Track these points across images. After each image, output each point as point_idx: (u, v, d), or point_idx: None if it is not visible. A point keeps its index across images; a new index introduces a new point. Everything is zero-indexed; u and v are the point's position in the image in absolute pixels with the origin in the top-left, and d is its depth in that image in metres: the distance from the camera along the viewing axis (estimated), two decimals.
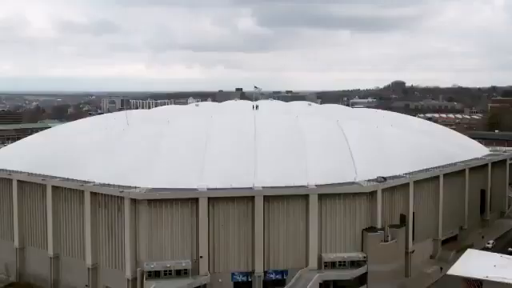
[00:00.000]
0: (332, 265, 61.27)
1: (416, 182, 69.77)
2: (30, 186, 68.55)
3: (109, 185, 61.38)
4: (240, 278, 60.78)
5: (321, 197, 62.08)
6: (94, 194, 62.07)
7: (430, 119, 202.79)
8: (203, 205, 59.43)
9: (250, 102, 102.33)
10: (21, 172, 70.00)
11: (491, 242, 78.84)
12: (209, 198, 59.78)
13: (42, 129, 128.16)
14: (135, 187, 60.13)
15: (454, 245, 76.28)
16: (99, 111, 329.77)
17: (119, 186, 60.52)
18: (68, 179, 65.23)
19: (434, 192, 74.18)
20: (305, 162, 65.94)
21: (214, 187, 60.34)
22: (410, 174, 69.84)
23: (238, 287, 61.00)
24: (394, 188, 67.06)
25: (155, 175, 62.21)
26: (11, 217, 69.89)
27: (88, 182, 62.97)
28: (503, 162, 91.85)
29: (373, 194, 63.98)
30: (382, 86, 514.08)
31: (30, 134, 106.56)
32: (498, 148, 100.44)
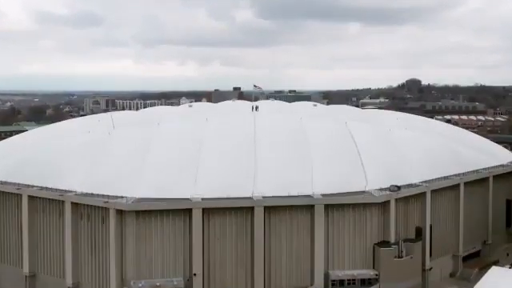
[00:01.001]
0: (340, 283, 61.22)
1: (434, 192, 69.80)
2: (3, 196, 68.59)
3: (92, 194, 61.37)
4: None
5: (327, 207, 62.10)
6: (75, 205, 62.06)
7: (448, 121, 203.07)
8: (197, 216, 59.44)
9: (249, 102, 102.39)
10: None
11: None
12: (203, 209, 59.80)
13: (17, 132, 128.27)
14: (121, 197, 60.14)
15: (477, 262, 76.16)
16: (81, 113, 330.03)
17: (103, 196, 60.51)
18: (46, 188, 65.20)
19: (454, 202, 74.19)
20: (310, 169, 66.02)
21: (208, 197, 60.35)
22: (426, 182, 69.86)
23: None
24: (409, 198, 67.09)
25: (144, 184, 62.25)
26: None
27: (68, 192, 62.99)
28: None
29: (385, 204, 64.00)
30: (395, 85, 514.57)
31: (4, 138, 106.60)
32: None
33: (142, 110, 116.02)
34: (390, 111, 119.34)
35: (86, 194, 61.79)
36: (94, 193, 61.37)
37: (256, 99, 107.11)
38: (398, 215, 65.52)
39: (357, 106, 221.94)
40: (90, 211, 61.47)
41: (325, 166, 66.70)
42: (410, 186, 67.70)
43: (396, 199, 64.59)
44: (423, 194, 68.56)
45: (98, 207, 60.55)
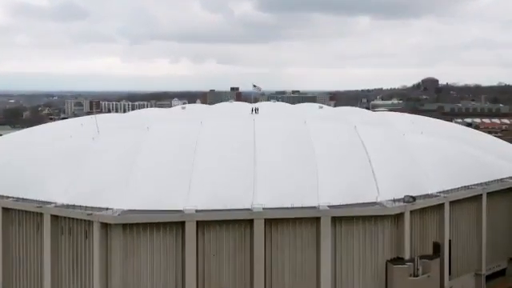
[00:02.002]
0: None
1: (453, 203, 69.89)
2: None
3: (74, 206, 61.39)
4: None
5: (335, 220, 62.17)
6: (54, 218, 62.06)
7: (469, 125, 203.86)
8: (191, 230, 59.49)
9: (247, 104, 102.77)
10: None
11: None
12: (197, 222, 59.86)
13: None
14: (107, 209, 60.18)
15: (502, 281, 76.21)
16: (62, 115, 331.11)
17: (87, 208, 60.53)
18: (23, 199, 65.20)
19: (476, 215, 74.25)
20: (315, 177, 66.14)
21: (203, 208, 60.42)
22: (445, 192, 69.94)
23: None
24: (426, 210, 67.16)
25: (131, 194, 62.35)
26: None
27: (47, 203, 62.98)
28: None
29: (399, 217, 64.07)
30: (409, 85, 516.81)
31: None
32: None
33: (130, 113, 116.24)
34: (404, 114, 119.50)
35: (68, 206, 61.75)
36: (76, 204, 61.34)
37: (256, 100, 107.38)
38: (414, 229, 65.54)
39: (367, 108, 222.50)
40: (72, 225, 61.43)
41: (332, 175, 66.81)
42: (426, 196, 67.72)
43: (411, 211, 64.60)
44: (441, 205, 68.59)
45: (81, 220, 60.52)
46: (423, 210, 66.84)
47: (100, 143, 73.34)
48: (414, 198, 65.64)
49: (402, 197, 65.33)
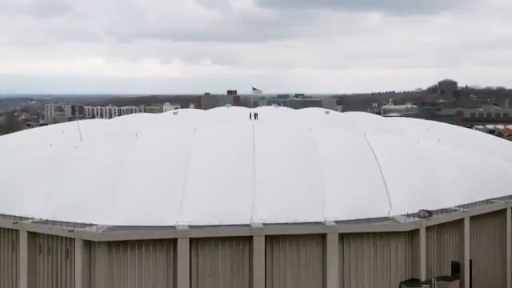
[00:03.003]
0: None
1: (474, 218, 69.88)
2: None
3: (54, 222, 61.41)
4: None
5: (343, 237, 62.19)
6: (32, 235, 62.02)
7: (492, 132, 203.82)
8: (183, 248, 59.48)
9: (246, 109, 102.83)
10: None
11: None
12: (191, 239, 59.87)
13: None
14: (90, 225, 60.22)
15: None
16: (41, 121, 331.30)
17: (68, 224, 60.51)
18: None
19: (500, 231, 74.20)
20: (321, 190, 66.25)
21: (197, 224, 60.42)
22: (464, 206, 69.97)
23: None
24: (444, 226, 67.19)
25: (118, 208, 62.41)
26: None
27: (24, 219, 62.96)
28: None
29: (414, 233, 64.07)
30: (425, 88, 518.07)
31: None
32: None
33: (117, 118, 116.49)
34: (419, 120, 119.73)
35: (46, 222, 61.79)
36: (56, 220, 61.36)
37: (255, 105, 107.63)
38: (430, 247, 65.52)
39: (378, 114, 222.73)
40: (51, 242, 61.41)
41: (339, 187, 66.88)
42: (444, 211, 67.73)
43: (427, 227, 64.62)
44: (461, 220, 68.58)
45: (61, 237, 60.48)
46: (441, 226, 66.82)
47: (83, 152, 73.43)
48: (430, 213, 65.65)
49: (417, 211, 65.30)
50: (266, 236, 60.81)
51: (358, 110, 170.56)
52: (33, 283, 62.24)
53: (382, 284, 63.37)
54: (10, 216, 63.92)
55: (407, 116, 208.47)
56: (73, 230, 59.42)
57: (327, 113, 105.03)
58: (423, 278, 63.83)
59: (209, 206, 62.79)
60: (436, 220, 65.91)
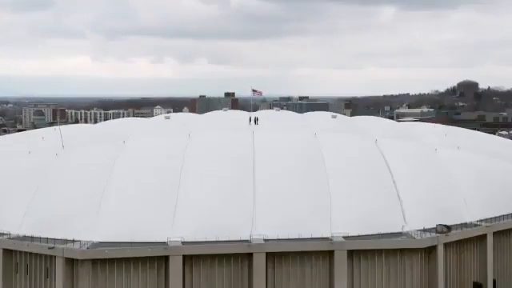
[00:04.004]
0: None
1: (497, 234, 69.91)
2: None
3: (32, 238, 61.34)
4: None
5: (352, 254, 62.18)
6: (8, 253, 62.03)
7: None
8: (176, 266, 59.49)
9: (245, 112, 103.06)
10: None
11: None
12: (184, 257, 59.89)
13: None
14: (73, 241, 60.12)
15: None
16: (19, 127, 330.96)
17: (48, 240, 60.51)
18: None
19: None
20: (328, 202, 66.28)
21: (191, 240, 60.46)
22: (487, 220, 70.00)
23: None
24: (464, 242, 67.20)
25: (103, 223, 62.42)
26: None
27: (0, 235, 62.94)
28: None
29: (431, 250, 64.09)
30: (442, 89, 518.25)
31: None
32: None
33: (102, 123, 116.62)
34: (436, 125, 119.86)
35: (24, 238, 61.73)
36: (35, 236, 61.28)
37: (255, 108, 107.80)
38: (449, 266, 65.55)
39: (391, 118, 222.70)
40: (30, 261, 61.38)
41: (347, 199, 66.93)
42: (464, 225, 67.79)
43: (445, 244, 64.62)
44: (483, 236, 68.60)
45: (41, 255, 60.47)
46: (460, 243, 66.83)
47: (65, 161, 73.46)
48: (448, 228, 65.64)
49: (434, 226, 65.41)
50: (267, 253, 60.83)
51: (369, 114, 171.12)
52: None
53: None
54: None
55: (423, 121, 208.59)
56: (53, 247, 59.34)
57: (334, 117, 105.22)
58: None
59: (204, 220, 62.81)
60: (455, 236, 65.87)
